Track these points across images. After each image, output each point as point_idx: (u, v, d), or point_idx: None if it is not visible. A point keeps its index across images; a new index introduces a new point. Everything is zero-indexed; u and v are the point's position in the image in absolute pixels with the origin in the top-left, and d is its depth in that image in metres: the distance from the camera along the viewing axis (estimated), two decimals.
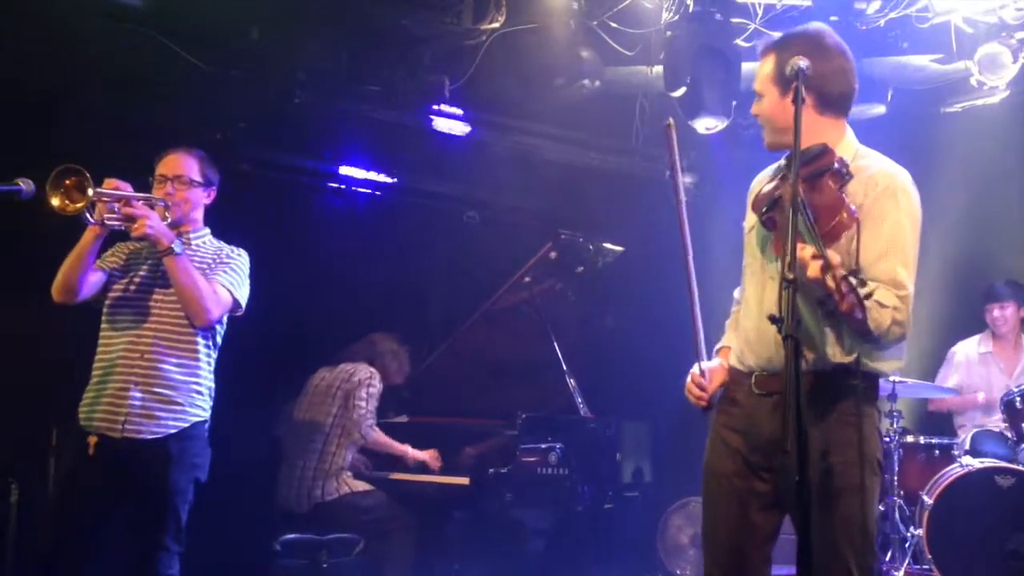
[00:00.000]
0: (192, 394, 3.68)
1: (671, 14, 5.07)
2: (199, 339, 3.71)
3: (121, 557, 3.71)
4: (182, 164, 3.75)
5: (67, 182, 3.41)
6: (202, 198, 3.83)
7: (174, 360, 3.64)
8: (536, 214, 6.70)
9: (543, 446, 4.78)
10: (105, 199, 3.48)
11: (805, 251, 2.23)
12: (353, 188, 6.62)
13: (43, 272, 3.90)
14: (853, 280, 2.12)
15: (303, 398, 5.20)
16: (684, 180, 6.68)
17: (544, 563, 4.94)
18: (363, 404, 5.01)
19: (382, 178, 6.61)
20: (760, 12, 5.02)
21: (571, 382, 5.08)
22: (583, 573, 5.20)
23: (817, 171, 2.37)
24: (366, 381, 5.07)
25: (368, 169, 6.51)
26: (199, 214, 3.85)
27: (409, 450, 5.11)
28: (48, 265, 3.90)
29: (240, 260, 3.85)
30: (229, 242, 3.95)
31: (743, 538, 2.69)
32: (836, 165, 2.37)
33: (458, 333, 5.31)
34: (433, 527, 5.17)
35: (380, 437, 5.08)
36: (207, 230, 3.90)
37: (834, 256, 2.16)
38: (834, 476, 2.49)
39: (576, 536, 5.07)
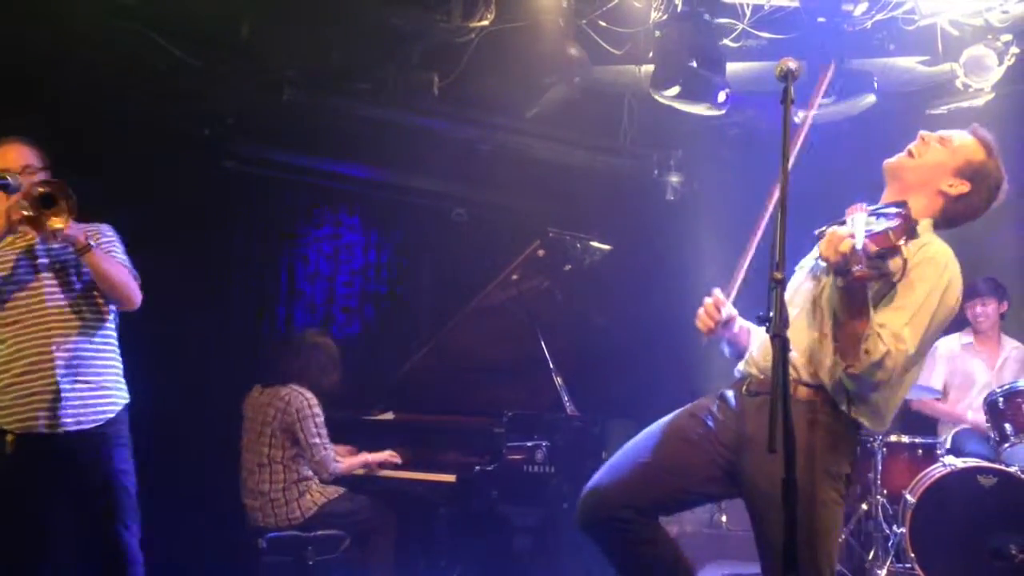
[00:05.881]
0: (113, 377, 3.71)
1: (660, 14, 5.08)
2: (107, 324, 3.72)
3: (74, 546, 3.75)
4: (24, 154, 3.67)
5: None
6: None
7: (91, 347, 3.65)
8: (524, 212, 6.71)
9: (529, 444, 4.79)
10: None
11: (841, 231, 2.35)
12: (341, 185, 6.61)
13: None
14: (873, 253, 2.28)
15: (245, 423, 4.97)
16: (672, 179, 6.76)
17: (529, 560, 4.95)
18: (317, 441, 4.81)
19: (370, 175, 6.60)
20: (748, 12, 5.05)
21: (558, 380, 5.09)
22: (568, 570, 5.20)
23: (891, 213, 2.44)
24: (306, 411, 4.81)
25: (356, 166, 6.51)
26: None
27: (369, 457, 5.06)
28: None
29: (116, 238, 3.79)
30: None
31: (673, 465, 2.84)
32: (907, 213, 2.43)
33: (445, 331, 5.30)
34: (419, 524, 5.17)
35: (343, 465, 4.95)
36: None
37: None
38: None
39: (561, 534, 5.07)
